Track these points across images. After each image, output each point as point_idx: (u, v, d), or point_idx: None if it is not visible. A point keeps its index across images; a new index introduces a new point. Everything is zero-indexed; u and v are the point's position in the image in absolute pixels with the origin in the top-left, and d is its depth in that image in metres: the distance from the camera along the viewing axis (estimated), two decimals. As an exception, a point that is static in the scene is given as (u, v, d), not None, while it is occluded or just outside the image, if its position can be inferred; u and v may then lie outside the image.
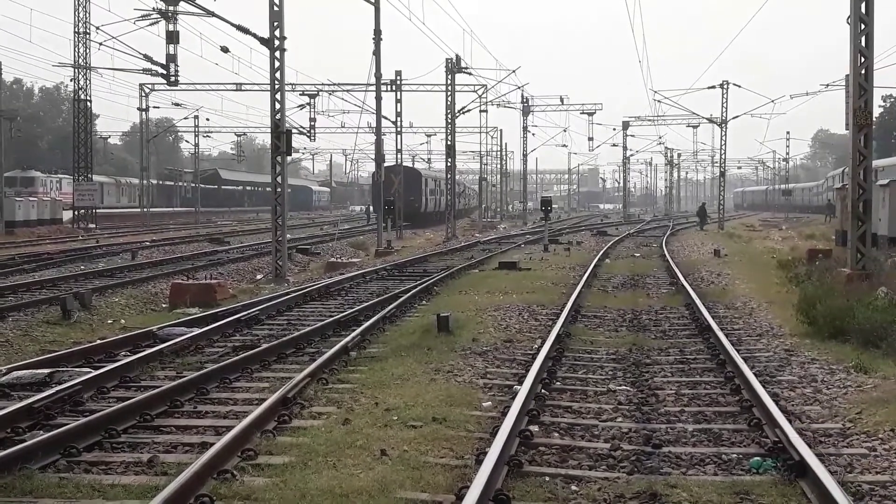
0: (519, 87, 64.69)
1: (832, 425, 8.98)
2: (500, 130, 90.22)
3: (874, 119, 19.88)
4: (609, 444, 8.25)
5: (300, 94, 59.59)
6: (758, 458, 7.71)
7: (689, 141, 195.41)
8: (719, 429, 8.81)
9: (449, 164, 51.33)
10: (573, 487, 7.09)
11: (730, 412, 9.46)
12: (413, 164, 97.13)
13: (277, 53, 25.34)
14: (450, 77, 49.01)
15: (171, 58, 32.57)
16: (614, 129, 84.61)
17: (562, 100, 73.87)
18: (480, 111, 67.59)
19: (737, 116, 64.32)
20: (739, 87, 61.79)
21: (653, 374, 11.58)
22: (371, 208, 64.65)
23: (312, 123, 63.62)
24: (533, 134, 78.99)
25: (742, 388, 10.22)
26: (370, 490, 6.85)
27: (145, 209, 69.32)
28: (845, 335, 13.36)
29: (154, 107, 69.45)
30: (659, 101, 66.77)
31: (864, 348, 12.54)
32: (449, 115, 49.71)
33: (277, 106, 25.44)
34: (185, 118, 75.48)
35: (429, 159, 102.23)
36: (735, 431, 8.72)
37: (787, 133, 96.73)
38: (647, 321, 16.35)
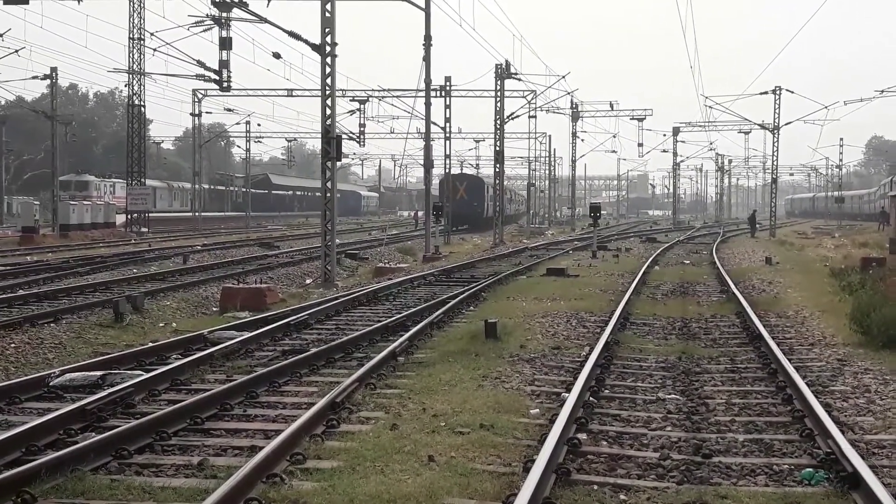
0: (568, 93, 64.57)
1: (886, 437, 8.82)
2: (549, 136, 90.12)
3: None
4: (658, 453, 8.17)
5: (350, 100, 60.03)
6: (810, 469, 7.60)
7: (740, 147, 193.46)
8: (770, 439, 8.70)
9: (497, 169, 51.28)
10: (622, 496, 7.04)
11: (781, 422, 9.34)
12: (462, 169, 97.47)
13: (328, 59, 25.51)
14: (499, 82, 49.04)
15: (224, 63, 33.08)
16: (664, 135, 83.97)
17: (611, 105, 73.45)
18: (529, 117, 67.67)
19: (789, 122, 63.65)
20: (792, 92, 61.08)
21: (703, 382, 11.46)
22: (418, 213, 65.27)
23: (362, 129, 64.00)
24: (582, 140, 78.81)
25: (794, 397, 10.08)
26: (417, 496, 6.86)
27: (197, 213, 70.14)
28: (901, 345, 13.15)
29: (206, 112, 70.43)
30: (710, 106, 66.50)
31: (920, 358, 12.33)
32: (498, 121, 49.71)
33: (328, 112, 25.60)
34: (236, 123, 76.29)
35: (477, 165, 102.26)
36: (786, 442, 8.60)
37: (841, 139, 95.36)
38: (696, 329, 16.20)
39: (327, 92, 25.73)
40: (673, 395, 10.67)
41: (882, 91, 52.68)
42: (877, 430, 9.09)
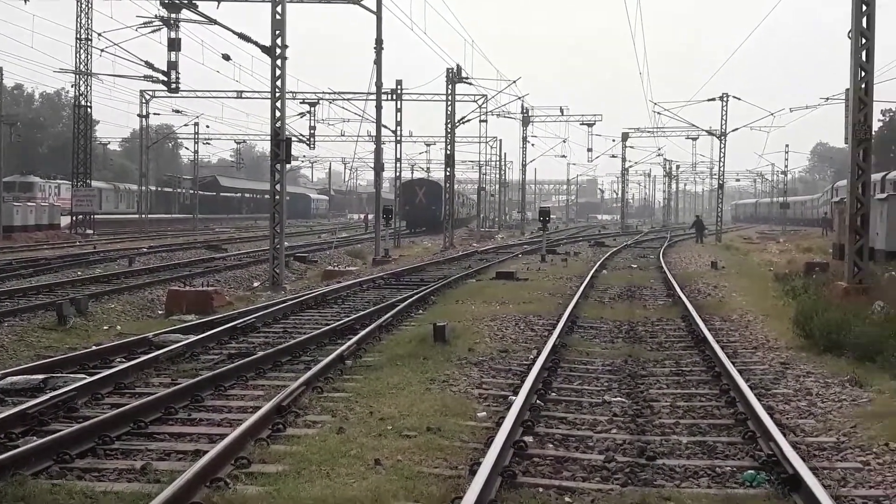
0: (519, 98, 64.98)
1: (826, 439, 8.97)
2: (500, 140, 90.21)
3: (873, 133, 19.89)
4: (603, 455, 8.24)
5: (300, 103, 59.64)
6: (752, 471, 7.71)
7: (688, 153, 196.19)
8: (714, 441, 8.81)
9: (448, 173, 51.34)
10: (567, 499, 7.09)
11: (724, 425, 9.46)
12: (412, 172, 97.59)
13: (279, 62, 25.41)
14: (450, 87, 49.08)
15: (173, 65, 32.70)
16: (613, 141, 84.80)
17: (562, 111, 74.05)
18: (480, 121, 67.66)
19: (736, 129, 64.51)
20: (739, 99, 62.02)
21: (648, 385, 11.57)
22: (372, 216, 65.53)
23: (312, 132, 63.64)
24: (532, 144, 79.10)
25: (737, 400, 10.22)
26: (363, 500, 6.84)
27: (143, 215, 69.33)
28: (841, 349, 13.37)
29: (154, 113, 69.59)
30: (658, 112, 67.10)
31: (860, 362, 12.55)
32: (449, 125, 49.76)
33: (277, 114, 25.47)
34: (185, 125, 75.96)
35: (428, 168, 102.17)
36: (729, 444, 8.71)
37: (786, 146, 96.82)
38: (643, 333, 16.35)
39: (277, 94, 25.61)
40: (618, 398, 10.76)
41: (827, 98, 53.57)
42: (817, 433, 9.24)
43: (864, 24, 18.41)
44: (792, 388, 11.42)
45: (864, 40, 18.45)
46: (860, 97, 18.61)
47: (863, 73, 18.57)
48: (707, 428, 9.35)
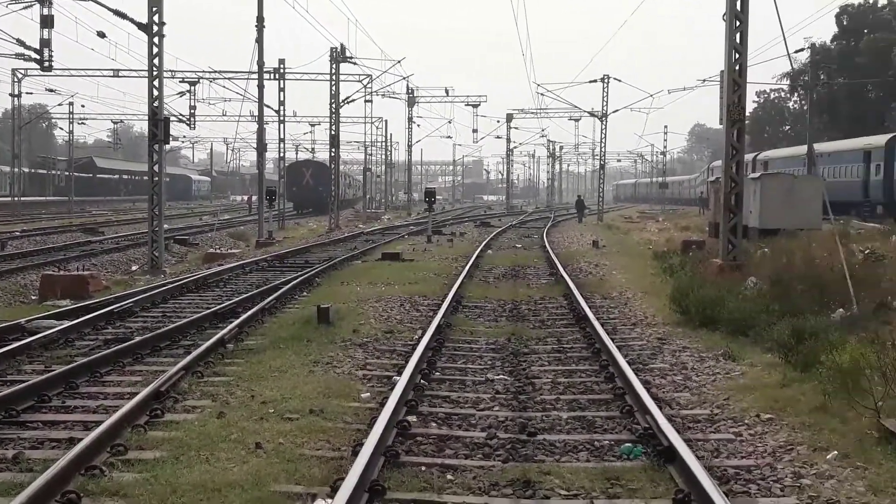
0: (404, 78, 64.97)
1: (701, 411, 9.24)
2: (386, 121, 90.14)
3: (748, 114, 20.51)
4: (485, 432, 8.32)
5: (180, 82, 58.20)
6: (629, 444, 7.88)
7: (571, 134, 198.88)
8: (593, 416, 8.98)
9: (333, 154, 50.94)
10: (449, 476, 7.12)
11: (603, 400, 9.65)
12: (297, 153, 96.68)
13: (156, 39, 24.77)
14: (334, 66, 48.64)
15: (45, 42, 31.45)
16: (498, 122, 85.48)
17: (447, 91, 74.25)
18: (365, 101, 67.46)
19: (617, 110, 65.93)
20: (620, 81, 63.18)
21: (530, 363, 11.73)
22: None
23: (192, 111, 62.11)
24: (418, 125, 79.33)
25: (616, 376, 10.44)
26: (243, 484, 6.75)
27: (16, 198, 66.81)
28: (716, 324, 13.79)
29: (27, 93, 66.99)
30: (542, 94, 68.10)
31: (733, 337, 12.98)
32: (333, 105, 49.34)
33: (155, 93, 24.86)
34: (59, 104, 73.25)
35: (313, 149, 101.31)
36: (608, 419, 8.90)
37: (665, 127, 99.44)
38: (526, 311, 16.56)
39: (155, 73, 24.93)
40: (501, 376, 10.88)
41: (704, 80, 55.01)
42: (692, 406, 9.52)
43: (739, 7, 18.92)
44: (668, 362, 11.73)
45: (738, 23, 18.97)
46: (734, 79, 19.15)
47: (737, 56, 19.09)
48: (587, 403, 9.53)
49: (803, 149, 52.91)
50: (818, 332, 11.10)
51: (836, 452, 7.49)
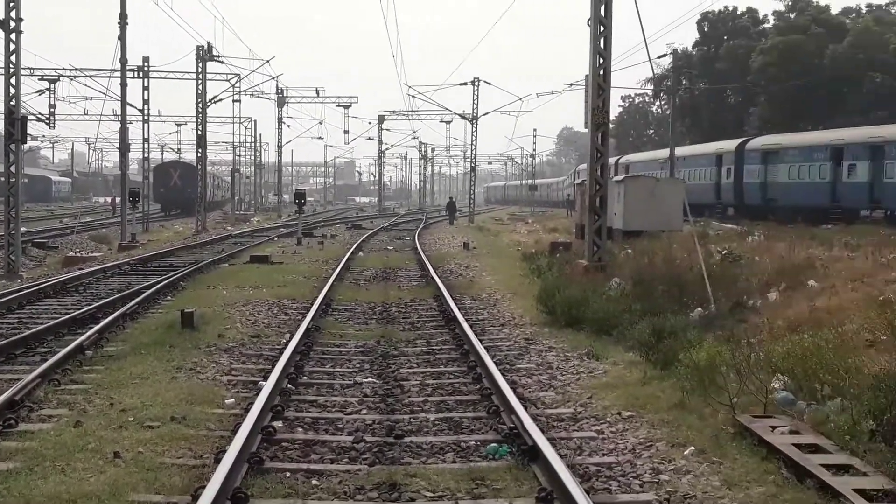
0: (273, 78, 63.67)
1: (565, 410, 9.40)
2: (255, 121, 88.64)
3: (613, 118, 21.04)
4: (352, 436, 8.27)
5: (39, 79, 56.02)
6: (494, 444, 7.95)
7: (442, 136, 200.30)
8: (460, 417, 9.03)
9: (200, 154, 49.92)
10: (314, 482, 7.05)
11: (471, 400, 9.72)
12: (162, 154, 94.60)
13: (13, 35, 23.97)
14: (201, 65, 47.67)
15: None
16: (370, 123, 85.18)
17: (317, 92, 73.48)
18: (234, 101, 66.26)
19: (487, 113, 66.80)
20: (490, 84, 63.84)
21: (399, 365, 11.72)
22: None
23: (52, 110, 59.93)
24: (288, 126, 78.19)
25: (483, 376, 10.52)
26: (100, 494, 6.54)
27: None
28: (581, 324, 14.07)
29: None
30: (413, 96, 68.25)
31: (597, 336, 13.28)
32: (200, 104, 48.35)
33: (12, 91, 24.05)
34: None
35: (179, 150, 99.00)
36: (475, 419, 8.96)
37: (535, 130, 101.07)
38: (396, 313, 16.55)
39: (12, 70, 24.14)
40: (370, 379, 10.83)
41: (571, 84, 56.11)
42: (557, 405, 9.67)
43: (603, 13, 19.34)
44: (535, 362, 11.90)
45: (602, 28, 19.40)
46: (599, 83, 19.57)
47: (601, 60, 19.53)
48: (454, 404, 9.57)
49: (662, 152, 54.65)
50: (677, 331, 11.45)
51: (693, 448, 7.72)
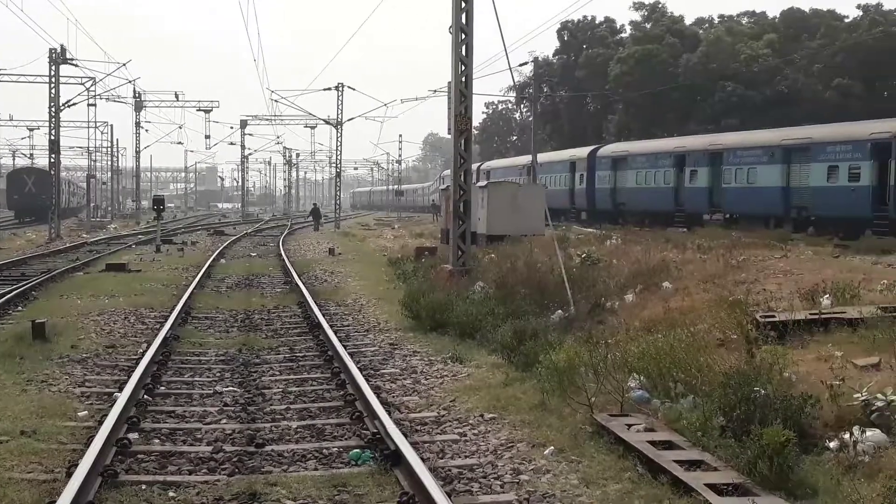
0: (130, 81, 61.95)
1: (428, 414, 9.44)
2: (112, 126, 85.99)
3: (477, 125, 21.30)
4: (211, 446, 8.11)
5: None
6: (357, 450, 7.92)
7: (307, 141, 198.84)
8: (323, 424, 8.97)
9: (52, 160, 48.13)
10: (171, 493, 6.88)
11: (334, 407, 9.67)
12: (14, 159, 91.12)
13: None
14: (54, 68, 45.99)
15: None
16: (232, 128, 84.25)
17: (177, 95, 71.73)
18: (89, 105, 64.11)
19: (352, 118, 66.61)
20: (354, 90, 63.74)
21: (261, 373, 11.57)
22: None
23: None
24: (146, 130, 76.64)
25: (347, 382, 10.48)
26: (-60, 516, 6.23)
27: None
28: (445, 328, 14.18)
29: None
30: (276, 100, 67.40)
31: (461, 339, 13.40)
32: (53, 109, 46.63)
33: None
34: None
35: (31, 155, 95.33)
36: (338, 426, 8.92)
37: (400, 136, 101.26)
38: (259, 321, 16.32)
39: None
40: (231, 388, 10.65)
41: (434, 91, 56.58)
42: (420, 409, 9.71)
43: (464, 21, 19.54)
44: (399, 367, 11.92)
45: (463, 35, 19.59)
46: (461, 90, 19.75)
47: (463, 67, 19.71)
48: (317, 411, 9.50)
49: (523, 158, 55.70)
50: (538, 333, 11.66)
51: (552, 448, 7.86)
